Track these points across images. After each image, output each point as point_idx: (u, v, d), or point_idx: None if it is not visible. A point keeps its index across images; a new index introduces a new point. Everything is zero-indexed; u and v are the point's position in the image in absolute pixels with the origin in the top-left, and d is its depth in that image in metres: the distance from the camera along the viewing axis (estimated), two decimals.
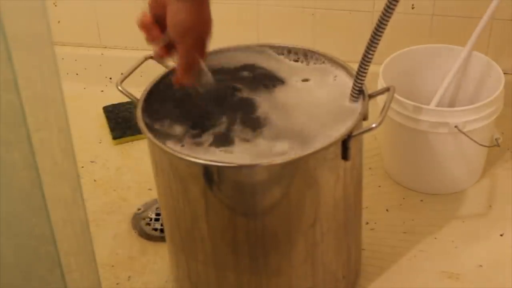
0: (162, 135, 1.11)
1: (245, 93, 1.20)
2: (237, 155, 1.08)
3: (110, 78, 1.84)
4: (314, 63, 1.24)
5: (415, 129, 1.40)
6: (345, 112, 1.14)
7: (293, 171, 1.06)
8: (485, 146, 1.44)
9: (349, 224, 1.20)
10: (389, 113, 1.38)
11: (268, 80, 1.22)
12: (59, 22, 1.81)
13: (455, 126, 1.37)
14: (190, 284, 1.24)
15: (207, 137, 1.12)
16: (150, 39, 1.08)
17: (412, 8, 1.64)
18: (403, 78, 1.51)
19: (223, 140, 1.11)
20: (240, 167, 1.05)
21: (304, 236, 1.13)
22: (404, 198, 1.48)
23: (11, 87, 0.67)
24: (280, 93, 1.20)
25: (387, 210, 1.45)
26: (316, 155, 1.05)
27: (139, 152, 1.63)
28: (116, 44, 1.83)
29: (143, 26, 1.08)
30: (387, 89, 1.16)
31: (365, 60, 1.12)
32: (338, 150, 1.08)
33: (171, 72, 1.22)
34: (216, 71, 1.19)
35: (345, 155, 1.09)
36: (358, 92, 1.14)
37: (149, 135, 1.09)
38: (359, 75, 1.13)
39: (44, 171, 0.72)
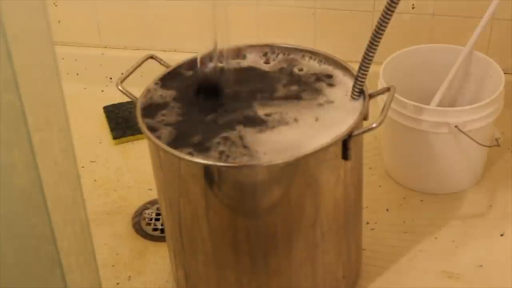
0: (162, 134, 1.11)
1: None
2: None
3: (110, 78, 1.83)
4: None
5: (416, 129, 1.40)
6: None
7: (293, 171, 1.06)
8: (485, 146, 1.44)
9: (349, 224, 1.19)
10: (389, 113, 1.38)
11: None
12: (59, 22, 1.81)
13: (456, 126, 1.37)
14: (190, 284, 1.24)
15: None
16: None
17: (412, 8, 1.64)
18: (403, 78, 1.51)
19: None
20: (240, 167, 1.05)
21: (304, 236, 1.13)
22: (404, 198, 1.48)
23: (11, 87, 0.67)
24: None
25: (387, 210, 1.45)
26: (316, 155, 1.05)
27: (139, 152, 1.63)
28: (116, 44, 1.83)
29: None
30: (387, 89, 1.16)
31: (366, 60, 1.12)
32: (338, 150, 1.08)
33: (171, 72, 1.22)
34: None
35: (345, 155, 1.09)
36: (359, 92, 1.14)
37: (149, 135, 1.09)
38: (360, 75, 1.13)
39: (44, 171, 0.72)
